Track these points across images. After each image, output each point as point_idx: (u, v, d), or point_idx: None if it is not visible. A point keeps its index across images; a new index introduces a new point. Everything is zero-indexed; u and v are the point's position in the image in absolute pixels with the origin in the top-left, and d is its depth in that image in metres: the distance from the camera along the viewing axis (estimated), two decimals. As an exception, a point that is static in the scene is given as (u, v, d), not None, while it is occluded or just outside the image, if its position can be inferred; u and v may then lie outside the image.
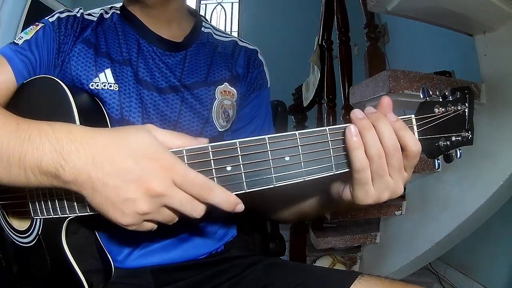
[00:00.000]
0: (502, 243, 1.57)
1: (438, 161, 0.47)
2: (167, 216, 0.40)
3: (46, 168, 0.38)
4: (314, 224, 1.79)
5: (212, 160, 0.40)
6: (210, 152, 0.40)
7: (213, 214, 0.68)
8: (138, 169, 0.37)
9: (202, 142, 0.41)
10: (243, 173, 0.40)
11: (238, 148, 0.40)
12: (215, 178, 0.40)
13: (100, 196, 0.38)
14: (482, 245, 1.66)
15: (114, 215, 0.38)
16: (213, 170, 0.40)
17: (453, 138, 0.45)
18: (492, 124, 1.15)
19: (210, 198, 0.38)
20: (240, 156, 0.40)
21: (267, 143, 0.41)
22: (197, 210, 0.39)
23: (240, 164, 0.40)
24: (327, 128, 0.42)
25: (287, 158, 0.41)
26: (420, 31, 2.27)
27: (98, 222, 0.56)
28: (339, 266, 1.73)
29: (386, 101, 0.43)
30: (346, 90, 1.67)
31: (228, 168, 0.40)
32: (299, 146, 0.41)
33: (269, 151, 0.40)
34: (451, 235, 1.31)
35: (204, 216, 0.40)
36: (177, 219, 0.41)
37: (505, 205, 1.24)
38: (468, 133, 0.46)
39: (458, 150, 0.46)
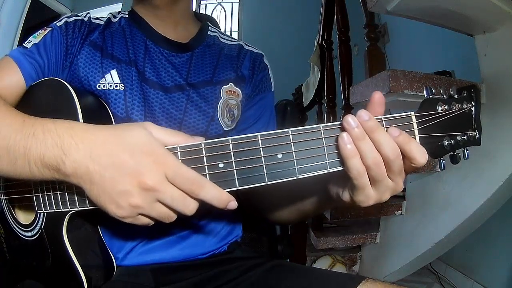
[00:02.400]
0: (502, 243, 1.57)
1: (443, 161, 0.44)
2: (162, 213, 0.41)
3: (48, 161, 0.40)
4: (314, 224, 1.79)
5: (204, 157, 0.40)
6: (203, 149, 0.40)
7: (216, 213, 0.69)
8: (132, 162, 0.38)
9: (198, 140, 0.41)
10: (235, 170, 0.40)
11: (230, 145, 0.40)
12: (207, 174, 0.40)
13: (97, 188, 0.39)
14: (482, 245, 1.65)
15: (110, 207, 0.40)
16: (206, 166, 0.40)
17: (459, 138, 0.43)
18: (492, 124, 1.15)
19: (201, 194, 0.39)
20: (232, 153, 0.40)
21: (259, 140, 0.40)
22: (189, 207, 0.40)
23: (232, 161, 0.40)
24: (320, 125, 0.41)
25: (279, 156, 0.40)
26: (420, 31, 2.27)
27: (100, 219, 0.57)
28: (339, 266, 1.73)
29: (378, 97, 0.42)
30: (346, 90, 1.67)
31: (221, 165, 0.40)
32: (292, 144, 0.40)
33: (261, 148, 0.40)
34: (451, 235, 1.32)
35: (199, 213, 0.41)
36: (174, 218, 0.42)
37: (505, 205, 1.24)
38: (475, 132, 0.43)
39: (465, 150, 0.43)
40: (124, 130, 0.40)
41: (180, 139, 0.42)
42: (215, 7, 4.27)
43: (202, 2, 4.27)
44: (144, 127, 0.41)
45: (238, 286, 0.62)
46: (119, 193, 0.39)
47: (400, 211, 1.58)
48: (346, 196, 0.46)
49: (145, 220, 0.41)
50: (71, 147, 0.39)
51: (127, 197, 0.39)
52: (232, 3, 4.23)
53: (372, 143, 0.40)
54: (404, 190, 1.62)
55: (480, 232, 1.37)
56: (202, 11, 4.17)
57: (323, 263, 1.73)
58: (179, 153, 0.41)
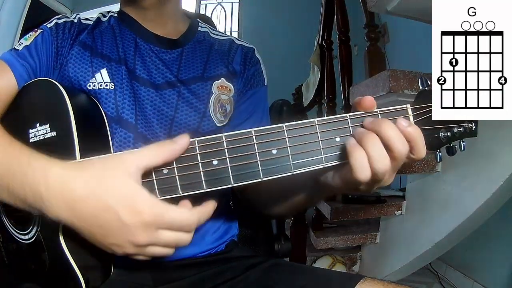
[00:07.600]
0: (502, 243, 1.57)
1: (440, 154, 0.44)
2: (158, 253, 0.42)
3: (31, 204, 0.40)
4: (314, 224, 1.79)
5: (198, 154, 0.40)
6: (197, 147, 0.40)
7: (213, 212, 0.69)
8: (119, 223, 0.38)
9: (182, 143, 0.40)
10: (229, 167, 0.40)
11: (224, 141, 0.40)
12: (201, 172, 0.40)
13: (87, 236, 0.40)
14: (482, 245, 1.65)
15: (104, 248, 0.41)
16: (200, 164, 0.40)
17: (455, 129, 0.42)
18: (492, 124, 1.15)
19: (195, 227, 0.42)
20: (226, 150, 0.40)
21: (253, 136, 0.40)
22: (186, 242, 0.42)
23: (226, 158, 0.40)
24: (315, 120, 0.41)
25: (274, 151, 0.40)
26: (420, 31, 2.27)
27: None
28: (339, 266, 1.73)
29: (369, 100, 0.41)
30: (346, 90, 1.67)
31: (215, 162, 0.40)
32: (287, 139, 0.40)
33: (255, 144, 0.40)
34: (451, 235, 1.31)
35: None
36: (172, 252, 0.43)
37: (505, 205, 1.24)
38: (471, 124, 0.42)
39: (461, 142, 0.43)
40: (105, 181, 0.38)
41: (165, 151, 0.39)
42: (215, 7, 4.27)
43: (202, 2, 4.27)
44: (128, 171, 0.38)
45: (237, 285, 0.62)
46: (111, 244, 0.40)
47: (400, 211, 1.58)
48: (336, 180, 0.44)
49: (143, 257, 0.43)
50: (51, 201, 0.38)
51: (120, 249, 0.40)
52: (232, 3, 4.23)
53: (381, 144, 0.38)
54: (404, 190, 1.62)
55: (480, 232, 1.37)
56: (202, 11, 4.17)
57: (323, 263, 1.73)
58: None
